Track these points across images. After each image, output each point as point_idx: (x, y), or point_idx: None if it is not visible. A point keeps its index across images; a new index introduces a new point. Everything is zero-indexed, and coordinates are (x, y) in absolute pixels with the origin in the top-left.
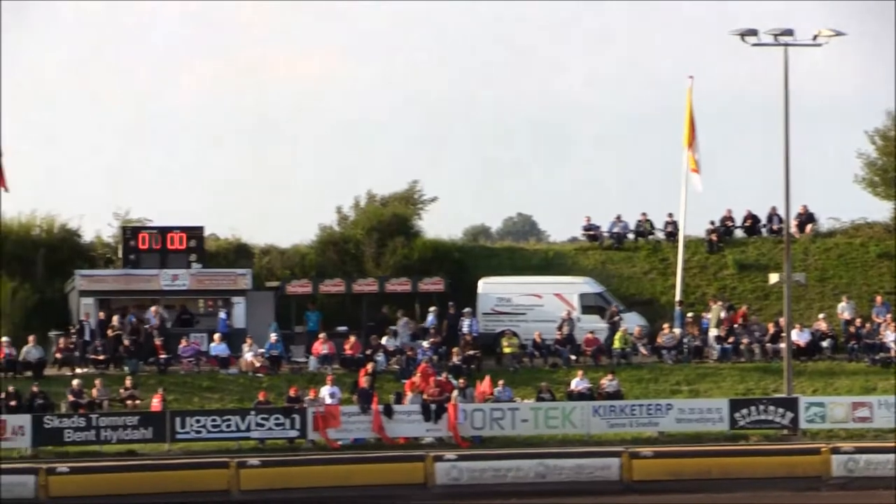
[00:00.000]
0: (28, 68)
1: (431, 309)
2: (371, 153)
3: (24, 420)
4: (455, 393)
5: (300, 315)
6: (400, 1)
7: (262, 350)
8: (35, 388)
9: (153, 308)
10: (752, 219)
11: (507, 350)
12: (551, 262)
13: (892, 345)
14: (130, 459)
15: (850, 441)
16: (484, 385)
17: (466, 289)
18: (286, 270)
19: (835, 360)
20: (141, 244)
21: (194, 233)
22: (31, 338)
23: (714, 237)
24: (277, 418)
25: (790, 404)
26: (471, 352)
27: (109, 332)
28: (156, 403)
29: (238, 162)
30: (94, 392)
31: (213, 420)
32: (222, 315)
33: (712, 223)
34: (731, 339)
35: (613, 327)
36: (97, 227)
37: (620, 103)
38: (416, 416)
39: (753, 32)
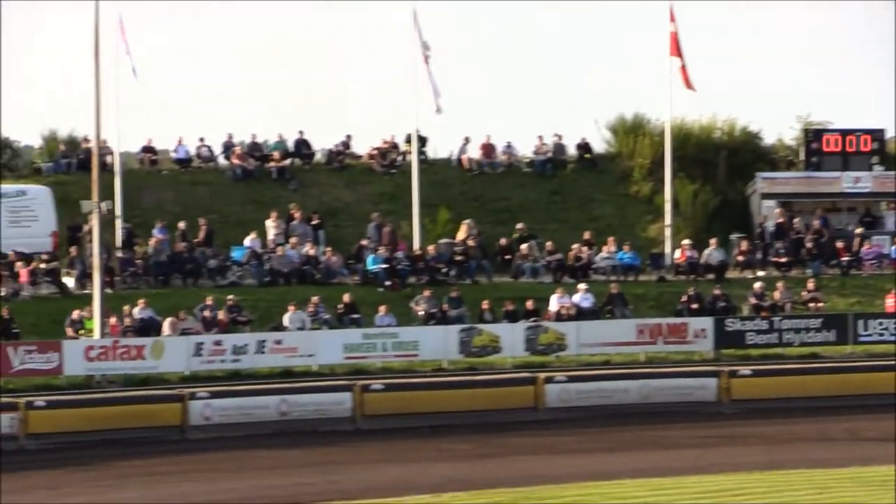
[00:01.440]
0: None
1: None
2: None
3: (706, 323)
4: None
5: None
6: None
7: None
8: (717, 291)
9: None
10: None
11: None
12: None
13: None
14: (812, 362)
15: None
16: None
17: None
18: None
19: None
20: (823, 146)
21: (877, 135)
22: (712, 241)
23: None
24: None
25: None
26: None
27: (792, 235)
28: (890, 304)
29: None
30: (777, 294)
31: None
32: None
33: None
34: None
35: None
36: (778, 129)
37: None
38: None
39: None
